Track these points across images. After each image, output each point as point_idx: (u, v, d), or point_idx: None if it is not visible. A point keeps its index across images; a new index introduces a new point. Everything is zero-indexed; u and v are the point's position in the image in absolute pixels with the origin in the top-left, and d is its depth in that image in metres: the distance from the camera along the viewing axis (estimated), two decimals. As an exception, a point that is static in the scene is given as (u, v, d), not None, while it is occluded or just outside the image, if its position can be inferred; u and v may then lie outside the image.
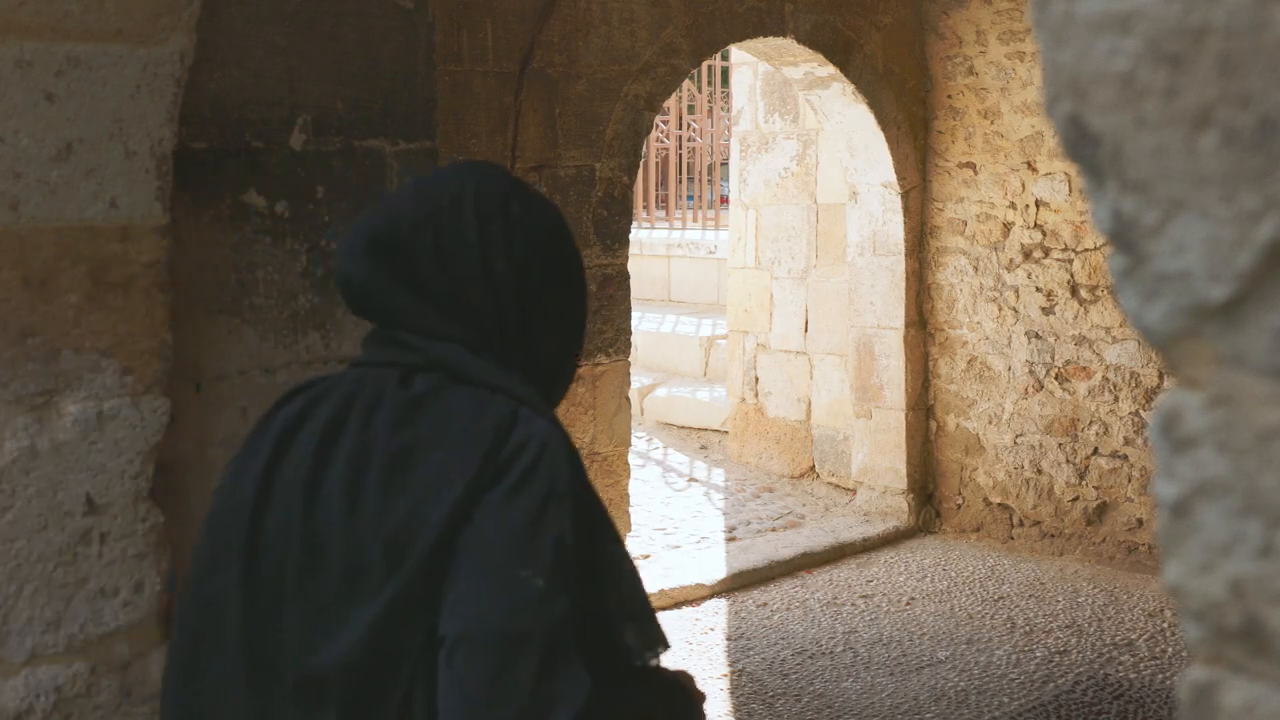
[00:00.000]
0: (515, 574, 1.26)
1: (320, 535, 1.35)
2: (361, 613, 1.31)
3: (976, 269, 6.81)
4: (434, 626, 1.28)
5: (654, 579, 5.91)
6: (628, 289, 5.59)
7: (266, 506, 1.39)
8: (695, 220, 13.20)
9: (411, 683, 1.30)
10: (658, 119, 8.14)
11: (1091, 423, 6.44)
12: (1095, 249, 6.41)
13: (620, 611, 1.38)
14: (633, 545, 5.97)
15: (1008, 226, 6.70)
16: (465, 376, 1.38)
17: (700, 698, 1.51)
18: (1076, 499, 6.51)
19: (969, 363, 6.85)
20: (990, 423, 6.78)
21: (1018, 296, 6.68)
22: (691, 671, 5.05)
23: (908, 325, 6.92)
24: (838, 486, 7.44)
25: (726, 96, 12.33)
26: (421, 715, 1.29)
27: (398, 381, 1.38)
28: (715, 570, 6.08)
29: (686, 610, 5.72)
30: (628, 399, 5.65)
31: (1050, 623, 5.54)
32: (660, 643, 1.39)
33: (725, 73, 12.13)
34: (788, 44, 6.26)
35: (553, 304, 1.45)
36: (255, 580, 1.38)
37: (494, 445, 1.31)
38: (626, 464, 5.60)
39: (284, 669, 1.35)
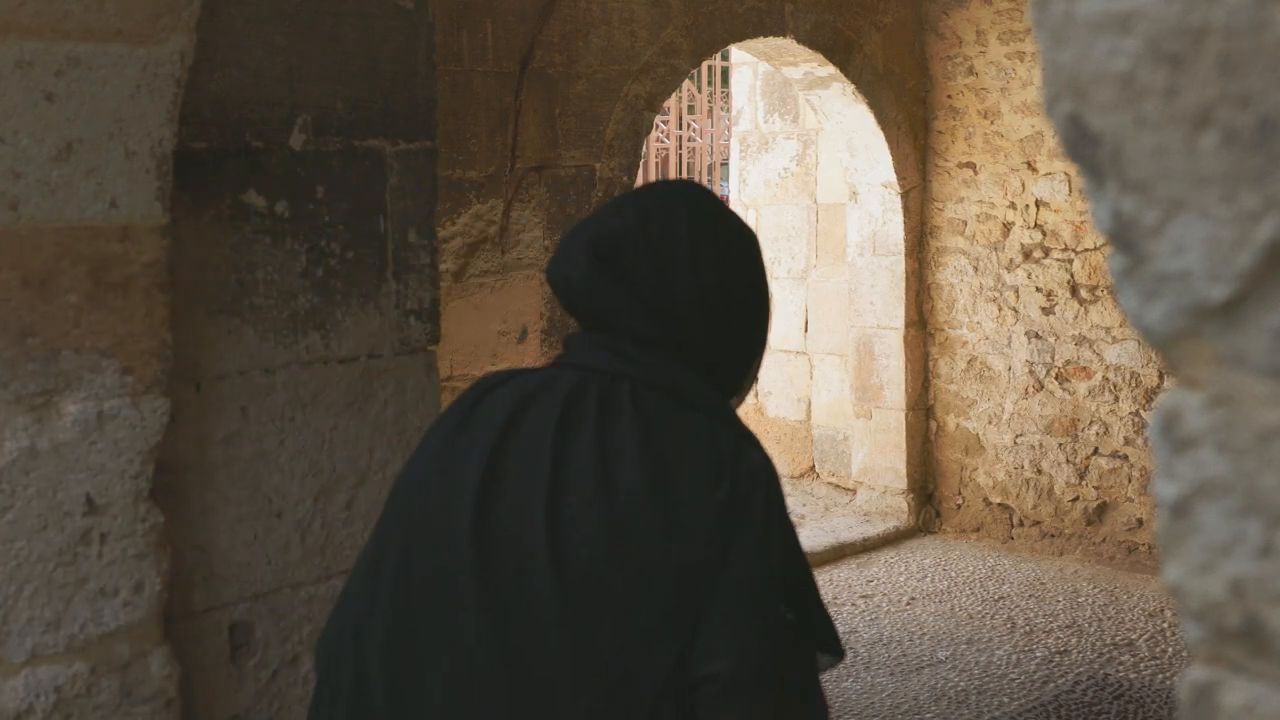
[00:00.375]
0: (770, 609, 1.33)
1: (564, 539, 1.35)
2: (604, 631, 1.33)
3: (976, 269, 6.81)
4: (677, 657, 1.31)
5: (654, 579, 5.91)
6: (628, 289, 5.59)
7: (495, 495, 1.40)
8: (695, 220, 13.18)
9: (655, 710, 1.32)
10: (658, 119, 8.14)
11: (1091, 423, 6.44)
12: (1095, 249, 6.41)
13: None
14: (633, 545, 5.97)
15: (1008, 226, 6.70)
16: (686, 400, 1.44)
17: None
18: (1076, 499, 6.51)
19: (969, 363, 6.85)
20: (990, 423, 6.78)
21: (1018, 296, 6.68)
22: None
23: (908, 325, 6.92)
24: (838, 486, 7.44)
25: (726, 96, 12.33)
26: None
27: (628, 398, 1.42)
28: (715, 570, 6.07)
29: (686, 610, 5.71)
30: (628, 399, 5.65)
31: (1050, 623, 5.54)
32: (839, 654, 1.44)
33: (725, 73, 12.13)
34: (788, 44, 6.26)
35: (746, 315, 1.53)
36: (488, 570, 1.37)
37: (729, 477, 1.36)
38: (626, 464, 5.60)
39: (530, 663, 1.34)
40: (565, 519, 1.35)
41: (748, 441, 1.42)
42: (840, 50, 6.41)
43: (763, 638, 1.31)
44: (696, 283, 1.47)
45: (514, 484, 1.39)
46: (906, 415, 6.94)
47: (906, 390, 6.92)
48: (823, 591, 5.98)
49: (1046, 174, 6.56)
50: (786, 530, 1.38)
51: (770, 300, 1.58)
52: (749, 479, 1.36)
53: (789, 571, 1.36)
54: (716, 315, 1.48)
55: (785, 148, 7.80)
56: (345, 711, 1.44)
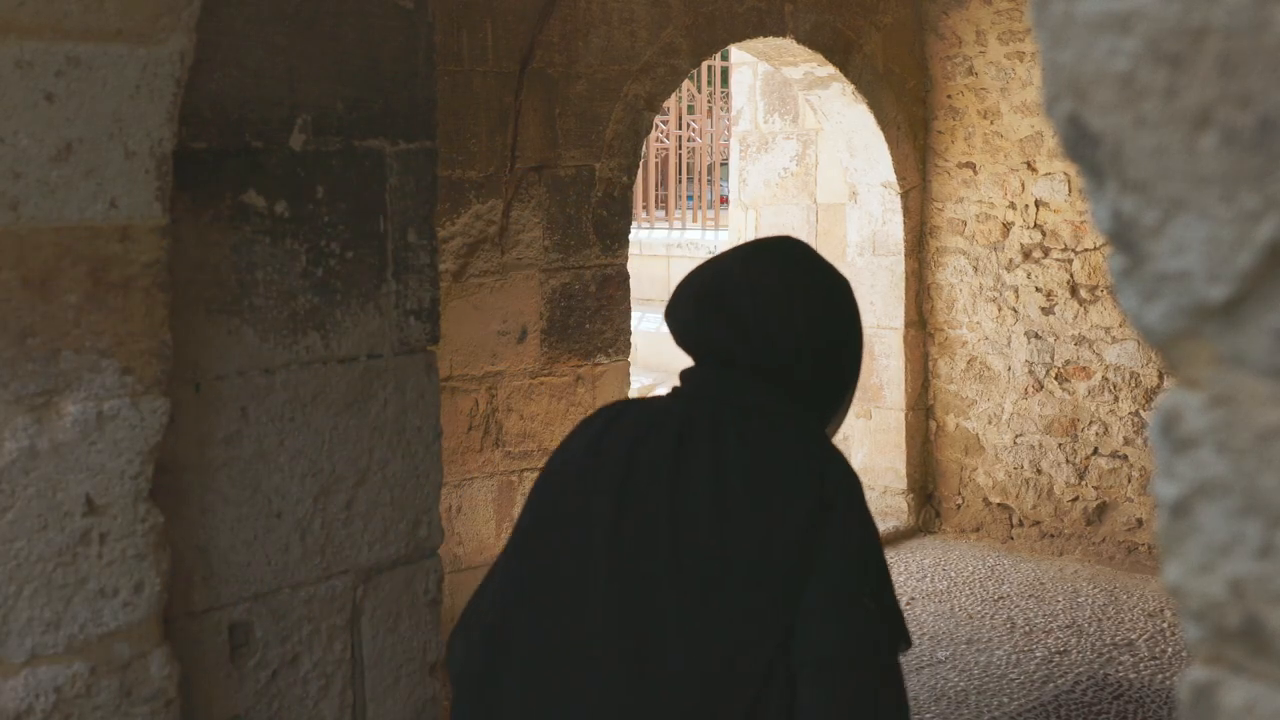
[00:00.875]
0: (861, 601, 1.53)
1: (682, 536, 1.59)
2: (716, 617, 1.55)
3: (976, 269, 6.81)
4: (782, 643, 1.52)
5: (654, 579, 5.91)
6: (627, 289, 5.59)
7: (626, 503, 1.63)
8: (695, 220, 13.20)
9: (760, 693, 1.52)
10: (658, 119, 8.14)
11: (1091, 423, 6.44)
12: (1095, 249, 6.41)
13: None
14: (632, 545, 5.97)
15: (1007, 226, 6.70)
16: (783, 422, 1.67)
17: None
18: (1076, 499, 6.52)
19: (969, 363, 6.85)
20: (990, 423, 6.78)
21: (1017, 296, 6.68)
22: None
23: (907, 325, 6.92)
24: (837, 486, 7.44)
25: (726, 96, 12.33)
26: None
27: (734, 420, 1.65)
28: (715, 570, 6.08)
29: (686, 610, 5.72)
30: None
31: (1050, 623, 5.54)
32: (909, 641, 1.61)
33: (725, 73, 12.13)
34: (788, 44, 6.26)
35: (838, 349, 1.76)
36: (619, 560, 1.60)
37: (820, 486, 1.59)
38: (626, 464, 5.60)
39: (651, 652, 1.56)
40: (685, 519, 1.58)
41: (835, 456, 1.65)
42: (840, 50, 6.41)
43: (854, 624, 1.52)
44: (792, 318, 1.68)
45: (641, 495, 1.62)
46: (906, 415, 6.94)
47: (906, 390, 6.92)
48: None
49: (1046, 174, 6.56)
50: (869, 530, 1.60)
51: (862, 338, 1.82)
52: (835, 487, 1.59)
53: (871, 566, 1.57)
54: (811, 348, 1.69)
55: (785, 148, 7.80)
56: (484, 664, 1.68)
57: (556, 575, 1.65)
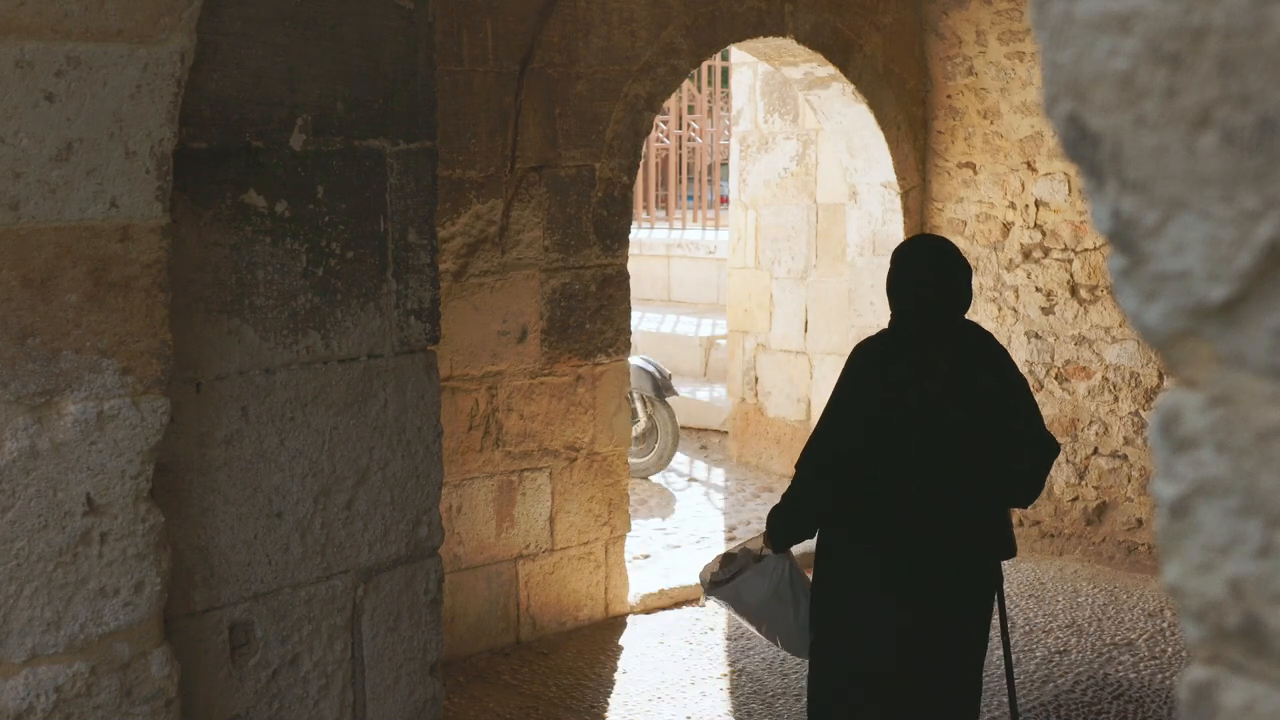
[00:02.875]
0: (1039, 423, 3.27)
1: (967, 408, 3.15)
2: (987, 452, 3.15)
3: (976, 269, 6.81)
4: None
5: (654, 579, 5.91)
6: (628, 289, 5.59)
7: (927, 395, 3.13)
8: (695, 220, 13.20)
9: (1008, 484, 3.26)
10: (658, 119, 8.14)
11: (1091, 423, 6.44)
12: (1095, 249, 6.41)
13: None
14: (633, 545, 5.97)
15: (1007, 226, 6.71)
16: (988, 337, 3.32)
17: None
18: (1076, 499, 6.52)
19: (969, 363, 6.86)
20: (990, 423, 6.79)
21: (1017, 296, 6.68)
22: (692, 671, 5.06)
23: (908, 325, 6.91)
24: (838, 486, 7.44)
25: (726, 96, 12.33)
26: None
27: (972, 340, 3.26)
28: (715, 570, 6.08)
29: (686, 610, 5.72)
30: (627, 399, 5.65)
31: (1050, 623, 5.54)
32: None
33: (725, 73, 12.14)
34: (788, 44, 6.26)
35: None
36: (938, 428, 3.14)
37: (1014, 367, 3.30)
38: (626, 464, 5.61)
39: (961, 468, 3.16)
40: (967, 399, 3.13)
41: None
42: (840, 50, 6.41)
43: (1040, 426, 3.26)
44: (969, 283, 3.24)
45: (934, 391, 3.11)
46: (906, 415, 6.94)
47: (906, 390, 6.92)
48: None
49: (1046, 174, 6.56)
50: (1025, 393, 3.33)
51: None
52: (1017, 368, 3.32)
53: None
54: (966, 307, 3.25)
55: (785, 148, 7.80)
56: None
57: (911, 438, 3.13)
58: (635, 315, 6.31)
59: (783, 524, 3.35)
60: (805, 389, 7.71)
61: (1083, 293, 6.47)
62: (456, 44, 4.91)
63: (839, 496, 3.15)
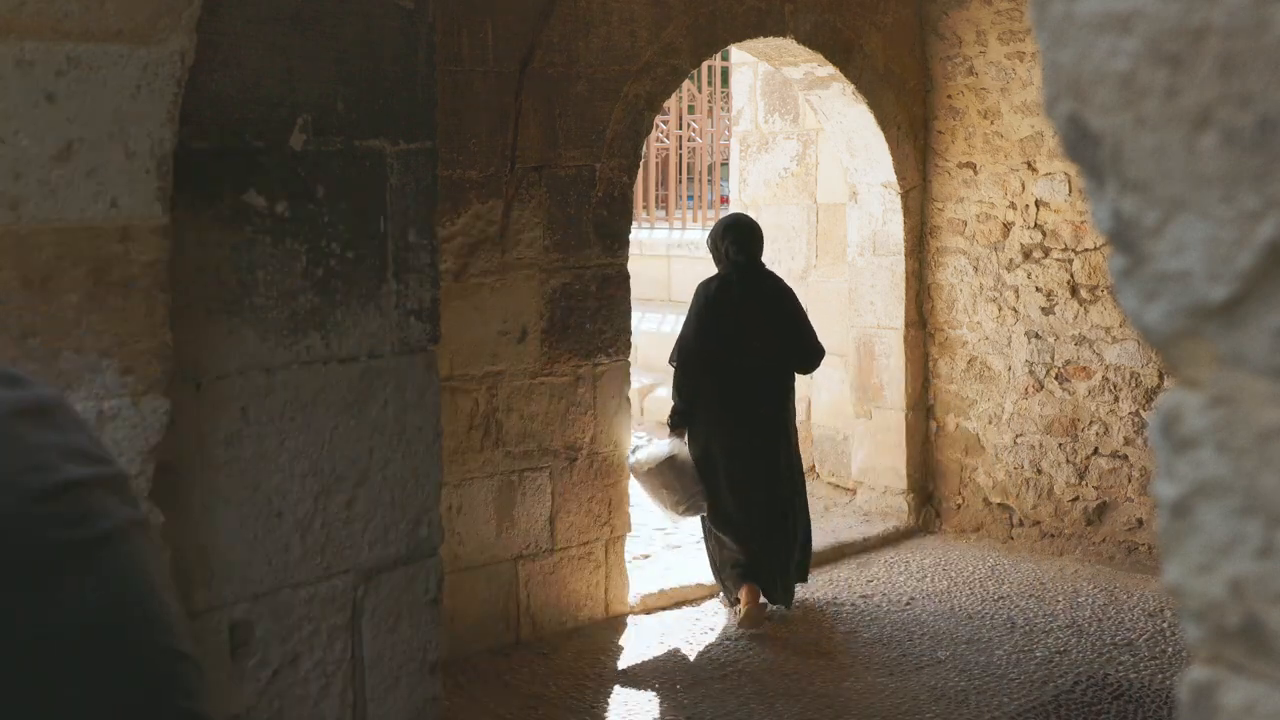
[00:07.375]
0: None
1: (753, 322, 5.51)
2: (777, 365, 5.63)
3: (976, 269, 6.81)
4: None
5: (654, 579, 5.91)
6: (628, 289, 5.59)
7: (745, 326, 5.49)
8: (695, 220, 13.19)
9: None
10: (658, 119, 8.13)
11: (1091, 423, 6.44)
12: (1095, 249, 6.41)
13: None
14: (633, 545, 5.97)
15: (1008, 226, 6.71)
16: (774, 276, 5.75)
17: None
18: (1076, 499, 6.52)
19: (969, 363, 6.85)
20: (990, 423, 6.79)
21: (1018, 296, 6.68)
22: (692, 671, 5.06)
23: (908, 325, 6.92)
24: (838, 486, 7.44)
25: (726, 96, 12.33)
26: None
27: (769, 279, 5.68)
28: (715, 570, 6.07)
29: (686, 610, 5.72)
30: (628, 399, 5.65)
31: (1050, 623, 5.54)
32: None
33: (725, 73, 12.14)
34: (788, 44, 6.26)
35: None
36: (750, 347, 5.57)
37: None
38: (626, 464, 5.61)
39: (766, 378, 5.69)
40: (768, 330, 5.50)
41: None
42: (840, 50, 6.41)
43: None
44: (761, 242, 5.68)
45: (748, 321, 5.47)
46: (906, 415, 6.94)
47: (906, 390, 6.92)
48: (823, 591, 5.97)
49: (1046, 174, 6.56)
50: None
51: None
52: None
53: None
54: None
55: (785, 148, 7.80)
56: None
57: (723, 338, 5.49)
58: (635, 315, 6.30)
59: (678, 403, 5.51)
60: (805, 389, 7.70)
61: (1083, 293, 6.47)
62: (456, 44, 4.91)
63: (694, 376, 5.43)
